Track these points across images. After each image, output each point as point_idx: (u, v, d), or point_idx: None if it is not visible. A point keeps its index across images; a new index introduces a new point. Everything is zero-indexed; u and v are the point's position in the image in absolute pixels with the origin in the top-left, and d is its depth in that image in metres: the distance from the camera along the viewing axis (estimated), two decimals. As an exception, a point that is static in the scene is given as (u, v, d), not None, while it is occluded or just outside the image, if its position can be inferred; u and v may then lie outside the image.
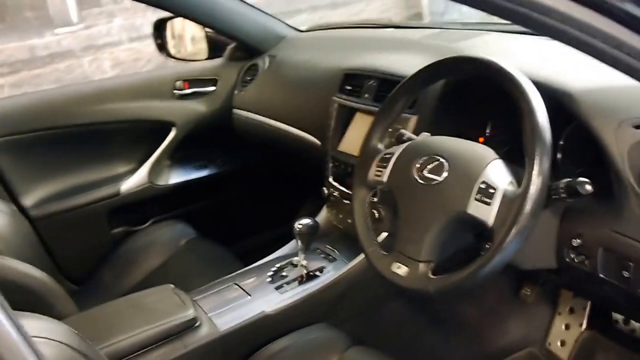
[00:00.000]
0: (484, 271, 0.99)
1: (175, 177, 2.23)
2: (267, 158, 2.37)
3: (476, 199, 1.02)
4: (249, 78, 2.22)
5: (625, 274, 1.06)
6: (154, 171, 2.15)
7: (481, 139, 1.36)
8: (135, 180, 2.11)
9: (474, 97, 1.35)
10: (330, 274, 1.53)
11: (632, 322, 1.61)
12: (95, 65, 5.02)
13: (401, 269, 1.10)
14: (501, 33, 1.66)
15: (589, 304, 1.72)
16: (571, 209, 1.16)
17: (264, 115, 2.08)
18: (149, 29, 4.09)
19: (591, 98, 1.10)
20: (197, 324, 1.32)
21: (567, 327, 1.76)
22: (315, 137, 1.80)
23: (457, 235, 1.09)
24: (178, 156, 2.24)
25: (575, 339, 1.73)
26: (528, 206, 0.95)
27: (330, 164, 1.68)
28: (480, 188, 1.02)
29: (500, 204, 1.00)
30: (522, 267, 1.23)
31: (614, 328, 1.65)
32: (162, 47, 2.26)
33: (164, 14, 2.13)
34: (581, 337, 1.72)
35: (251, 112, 2.15)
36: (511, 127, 1.14)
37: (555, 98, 1.10)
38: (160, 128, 2.17)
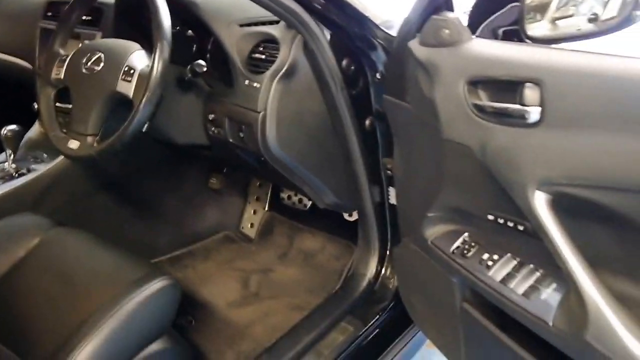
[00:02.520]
0: (129, 131, 1.31)
1: None
2: None
3: (122, 79, 1.35)
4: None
5: (241, 135, 1.46)
6: None
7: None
8: None
9: (147, 18, 1.66)
10: (35, 172, 1.76)
11: (292, 197, 2.09)
12: None
13: (74, 144, 1.40)
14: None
15: (269, 191, 2.18)
16: (210, 94, 1.55)
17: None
18: None
19: (210, 6, 1.49)
20: None
21: (255, 212, 2.21)
22: (25, 60, 1.99)
23: (116, 111, 1.40)
24: None
25: (259, 221, 2.17)
26: (153, 80, 1.29)
27: (38, 82, 1.89)
28: (124, 71, 1.35)
29: (137, 80, 1.33)
30: (180, 142, 1.60)
31: (282, 205, 2.12)
32: None
33: None
34: (263, 218, 2.16)
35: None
36: None
37: (185, 6, 1.46)
38: None
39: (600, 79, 0.80)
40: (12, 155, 1.75)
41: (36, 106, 1.90)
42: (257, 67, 1.42)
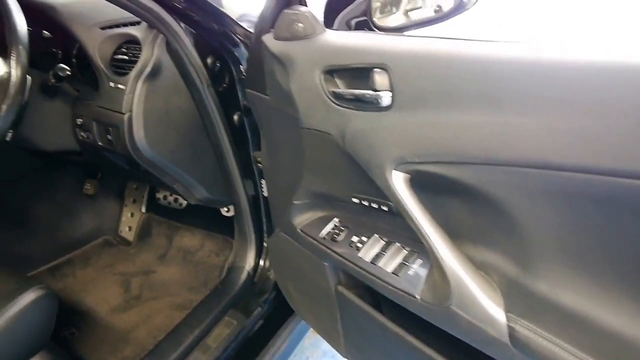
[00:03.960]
0: None
1: None
2: None
3: None
4: None
5: (109, 137, 1.45)
6: None
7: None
8: None
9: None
10: None
11: (168, 197, 2.08)
12: None
13: None
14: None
15: (146, 193, 2.15)
16: (77, 98, 1.52)
17: None
18: None
19: (68, 9, 1.46)
20: None
21: (132, 215, 2.17)
22: None
23: None
24: None
25: (137, 223, 2.14)
26: (13, 87, 1.25)
27: None
28: None
29: None
30: (49, 149, 1.56)
31: (159, 205, 2.11)
32: None
33: None
34: (141, 220, 2.14)
35: None
36: None
37: (41, 10, 1.42)
38: None
39: (435, 61, 0.86)
40: None
41: None
42: (121, 68, 1.42)
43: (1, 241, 1.90)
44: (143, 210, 2.16)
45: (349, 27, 1.22)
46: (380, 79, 0.92)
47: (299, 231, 1.21)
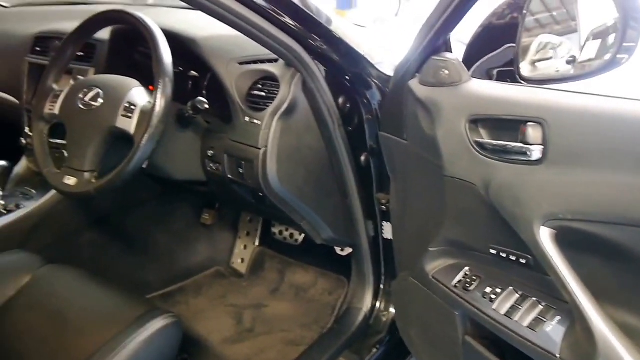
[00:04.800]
0: (129, 168, 1.30)
1: None
2: None
3: (122, 115, 1.34)
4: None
5: (240, 170, 1.46)
6: None
7: (151, 87, 1.68)
8: None
9: (142, 54, 1.66)
10: (25, 209, 1.73)
11: (284, 232, 2.09)
12: None
13: (70, 180, 1.38)
14: (166, 7, 2.00)
15: (260, 226, 2.17)
16: (208, 130, 1.55)
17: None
18: None
19: (209, 43, 1.50)
20: None
21: (245, 247, 2.19)
22: (12, 95, 1.97)
23: (113, 147, 1.39)
24: None
25: (250, 256, 2.16)
26: (156, 116, 1.29)
27: (26, 117, 1.87)
28: (125, 107, 1.34)
29: (139, 117, 1.32)
30: (178, 178, 1.59)
31: (273, 240, 2.11)
32: None
33: None
34: (254, 253, 2.15)
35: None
36: None
37: (184, 43, 1.46)
38: None
39: (599, 119, 0.85)
40: (2, 192, 1.72)
41: (24, 141, 1.89)
42: (256, 104, 1.43)
43: (121, 265, 1.96)
44: (256, 243, 2.17)
45: (489, 76, 1.22)
46: (533, 132, 0.92)
47: (431, 278, 1.18)
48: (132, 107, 1.33)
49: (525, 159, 0.93)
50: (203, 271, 2.14)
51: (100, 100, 1.38)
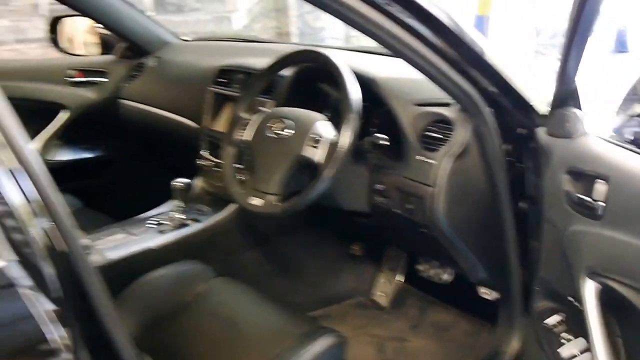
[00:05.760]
0: (312, 195, 1.43)
1: (63, 154, 2.50)
2: (148, 142, 2.70)
3: (307, 145, 1.47)
4: (135, 73, 2.55)
5: (409, 206, 1.54)
6: (44, 147, 2.41)
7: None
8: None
9: (316, 89, 1.80)
10: (201, 223, 1.90)
11: (430, 269, 2.13)
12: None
13: (256, 201, 1.52)
14: (347, 50, 2.14)
15: (403, 261, 2.23)
16: (376, 165, 1.65)
17: (148, 105, 2.42)
18: (34, 33, 4.22)
19: (389, 85, 1.61)
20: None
21: (387, 281, 2.26)
22: (192, 120, 2.18)
23: (297, 174, 1.52)
24: (68, 137, 2.50)
25: (392, 290, 2.22)
26: (341, 149, 1.41)
27: (204, 140, 2.07)
28: (311, 137, 1.47)
29: (327, 149, 1.45)
30: (345, 208, 1.70)
31: (418, 277, 2.16)
32: (55, 42, 2.52)
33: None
34: (397, 287, 2.21)
35: (136, 102, 2.48)
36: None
37: (364, 82, 1.58)
38: (50, 109, 2.44)
39: None
40: (180, 206, 1.90)
41: (200, 162, 2.08)
42: (429, 144, 1.51)
43: (274, 284, 2.10)
44: (399, 278, 2.23)
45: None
46: (599, 188, 1.03)
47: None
48: (318, 139, 1.46)
49: (592, 213, 1.04)
50: (346, 300, 2.23)
51: (291, 131, 1.51)
